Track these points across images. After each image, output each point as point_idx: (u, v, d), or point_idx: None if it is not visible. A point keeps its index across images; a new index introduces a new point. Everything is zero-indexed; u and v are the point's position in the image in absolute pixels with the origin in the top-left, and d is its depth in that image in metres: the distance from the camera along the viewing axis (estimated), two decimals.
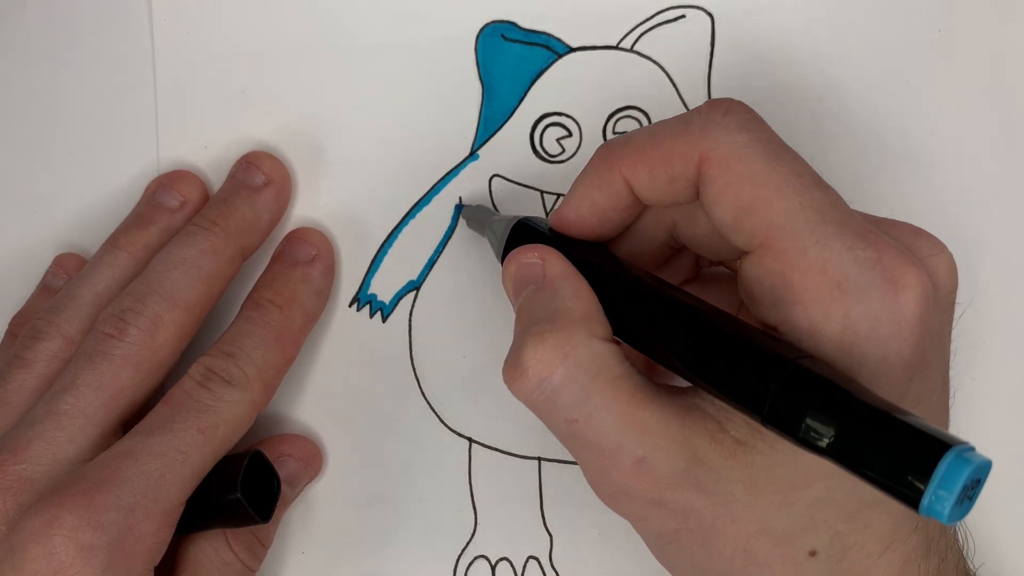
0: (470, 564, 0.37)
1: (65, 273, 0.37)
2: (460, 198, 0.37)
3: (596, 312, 0.28)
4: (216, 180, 0.38)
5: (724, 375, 0.24)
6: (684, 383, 0.27)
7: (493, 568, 0.37)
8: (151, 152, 0.38)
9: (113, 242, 0.36)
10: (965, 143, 0.36)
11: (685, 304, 0.27)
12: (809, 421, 0.22)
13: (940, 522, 0.20)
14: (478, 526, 0.37)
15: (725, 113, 0.27)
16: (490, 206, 0.37)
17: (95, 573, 0.28)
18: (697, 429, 0.26)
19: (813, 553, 0.26)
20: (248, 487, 0.31)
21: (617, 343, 0.28)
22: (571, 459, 0.37)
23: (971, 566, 0.30)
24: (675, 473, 0.26)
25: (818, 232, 0.25)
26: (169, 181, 0.37)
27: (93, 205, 0.38)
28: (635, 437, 0.26)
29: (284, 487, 0.34)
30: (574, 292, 0.28)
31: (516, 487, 0.37)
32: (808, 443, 0.22)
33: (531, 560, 0.37)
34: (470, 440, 0.37)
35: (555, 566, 0.37)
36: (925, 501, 0.20)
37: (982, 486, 0.21)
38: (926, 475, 0.20)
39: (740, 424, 0.26)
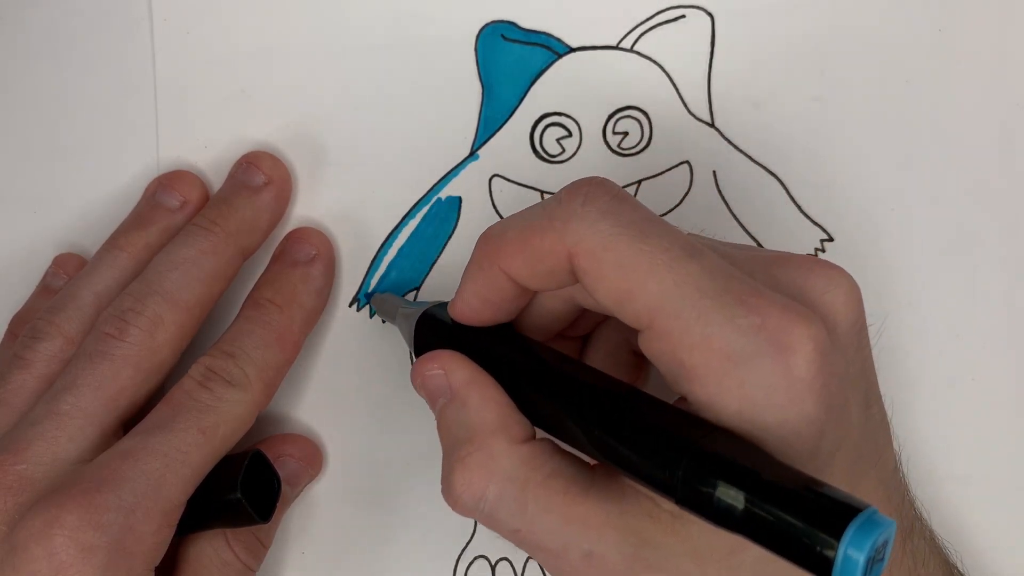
0: (470, 564, 0.37)
1: (65, 273, 0.37)
2: (371, 291, 0.37)
3: (510, 414, 0.28)
4: (216, 180, 0.38)
5: (636, 459, 0.24)
6: None
7: (493, 568, 0.37)
8: (151, 152, 0.38)
9: (113, 242, 0.36)
10: (965, 143, 0.36)
11: (592, 387, 0.27)
12: (716, 501, 0.22)
13: None
14: (478, 526, 0.37)
15: (584, 202, 0.26)
16: (396, 295, 0.36)
17: (95, 573, 0.28)
18: (635, 511, 0.26)
19: None
20: (248, 487, 0.31)
21: (538, 438, 0.28)
22: None
23: None
24: (625, 560, 0.26)
25: (697, 307, 0.24)
26: (169, 181, 0.37)
27: (93, 205, 0.38)
28: (578, 533, 0.26)
29: (284, 487, 0.34)
30: (481, 399, 0.28)
31: None
32: (721, 522, 0.22)
33: (531, 560, 0.37)
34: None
35: None
36: (836, 570, 0.20)
37: (889, 548, 0.21)
38: (833, 544, 0.20)
39: None
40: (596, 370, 0.28)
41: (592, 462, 0.28)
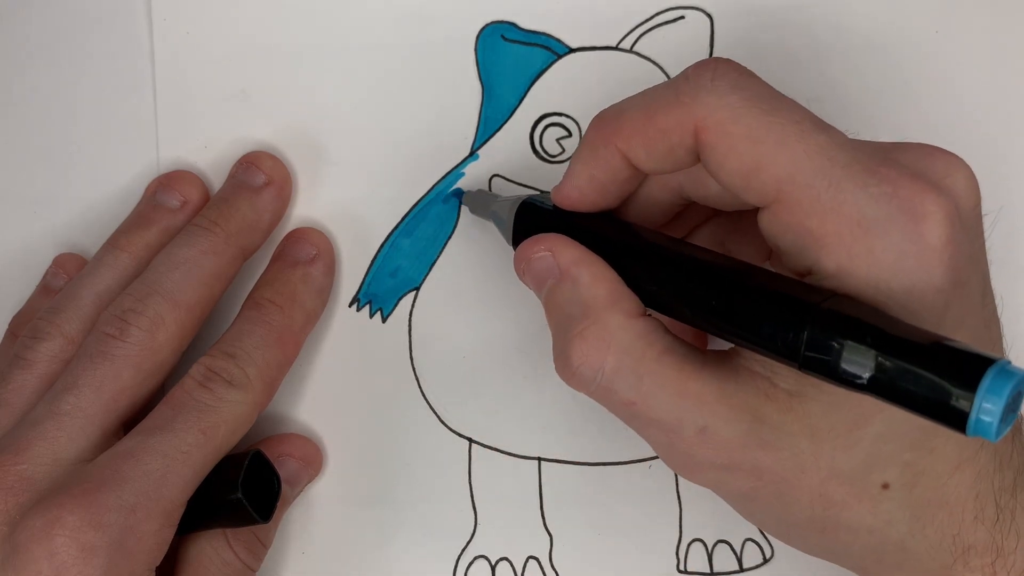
0: (470, 564, 0.37)
1: (65, 273, 0.37)
2: (459, 188, 0.37)
3: (621, 290, 0.28)
4: (216, 180, 0.38)
5: (756, 328, 0.24)
6: (724, 345, 0.28)
7: (493, 568, 0.37)
8: (151, 152, 0.38)
9: (114, 242, 0.36)
10: (964, 144, 0.36)
11: (706, 263, 0.27)
12: (844, 361, 0.22)
13: (989, 440, 0.20)
14: (478, 526, 0.37)
15: (713, 76, 0.26)
16: (488, 190, 0.36)
17: (96, 573, 0.28)
18: (750, 389, 0.26)
19: (886, 486, 0.26)
20: (249, 487, 0.31)
21: (649, 315, 0.28)
22: (571, 459, 0.37)
23: None
24: (738, 436, 0.26)
25: (828, 176, 0.24)
26: (169, 181, 0.37)
27: (93, 205, 0.38)
28: (693, 408, 0.26)
29: (284, 487, 0.34)
30: (592, 276, 0.28)
31: (516, 487, 0.37)
32: (848, 382, 0.22)
33: (531, 560, 0.37)
34: (470, 440, 0.37)
35: (555, 566, 0.37)
36: (972, 420, 0.20)
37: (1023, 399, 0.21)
38: (968, 396, 0.20)
39: (789, 376, 0.26)
40: (706, 248, 0.28)
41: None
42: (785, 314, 0.24)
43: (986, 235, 0.28)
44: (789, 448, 0.26)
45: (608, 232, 0.29)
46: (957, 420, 0.20)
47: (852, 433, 0.26)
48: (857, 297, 0.24)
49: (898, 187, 0.24)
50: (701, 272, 0.26)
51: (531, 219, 0.31)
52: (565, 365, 0.28)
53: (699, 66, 0.27)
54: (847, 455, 0.26)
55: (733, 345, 0.27)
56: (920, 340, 0.21)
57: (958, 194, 0.26)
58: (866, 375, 0.22)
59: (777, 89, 0.27)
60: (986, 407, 0.20)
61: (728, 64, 0.27)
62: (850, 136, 0.27)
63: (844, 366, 0.22)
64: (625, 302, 0.28)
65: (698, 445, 0.26)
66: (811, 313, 0.23)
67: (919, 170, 0.26)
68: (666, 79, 0.36)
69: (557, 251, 0.29)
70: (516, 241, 0.31)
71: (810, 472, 0.26)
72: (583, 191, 0.29)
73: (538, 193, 0.32)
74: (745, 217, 0.31)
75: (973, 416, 0.20)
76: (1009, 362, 0.20)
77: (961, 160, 0.27)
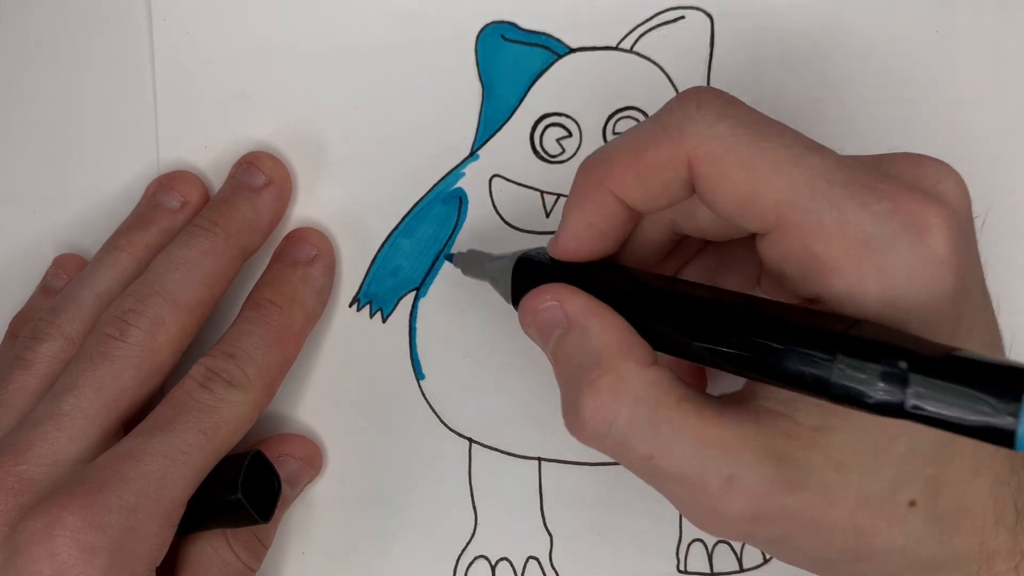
0: (470, 564, 0.37)
1: (65, 273, 0.37)
2: (448, 252, 0.36)
3: (632, 337, 0.27)
4: (216, 180, 0.38)
5: (780, 363, 0.24)
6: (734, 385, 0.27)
7: (493, 568, 0.37)
8: (151, 152, 0.38)
9: (114, 243, 0.36)
10: (964, 144, 0.36)
11: (720, 302, 0.26)
12: (880, 389, 0.21)
13: None
14: (478, 526, 0.37)
15: (698, 106, 0.26)
16: (478, 248, 0.36)
17: (97, 574, 0.28)
18: (771, 430, 0.25)
19: (912, 503, 0.26)
20: (249, 487, 0.31)
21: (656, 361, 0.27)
22: (571, 459, 0.37)
23: None
24: (766, 482, 0.25)
25: (828, 197, 0.24)
26: (169, 182, 0.37)
27: (93, 205, 0.38)
28: (717, 457, 0.25)
29: (284, 487, 0.34)
30: (602, 325, 0.27)
31: (516, 487, 0.37)
32: (884, 411, 0.22)
33: (531, 560, 0.37)
34: (470, 440, 0.37)
35: (555, 566, 0.37)
36: (1020, 434, 0.19)
37: None
38: (1014, 409, 0.19)
39: (810, 410, 0.25)
40: (715, 287, 0.27)
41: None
42: (810, 347, 0.23)
43: (979, 235, 0.28)
44: (817, 485, 0.25)
45: (612, 279, 0.28)
46: (1004, 436, 0.20)
47: (878, 457, 0.25)
48: (875, 319, 0.24)
49: (899, 202, 0.24)
50: (717, 311, 0.26)
51: (529, 275, 0.30)
52: (575, 419, 0.27)
53: (683, 97, 0.26)
54: (874, 479, 0.25)
55: (741, 387, 0.27)
56: (950, 357, 0.21)
57: (953, 200, 0.26)
58: (904, 401, 0.21)
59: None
60: None
61: (712, 92, 0.26)
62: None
63: (879, 395, 0.21)
64: (637, 350, 0.27)
65: (725, 498, 0.25)
66: (839, 342, 0.22)
67: (914, 181, 0.25)
68: (666, 79, 0.37)
69: (564, 300, 0.28)
70: (516, 298, 0.30)
71: (840, 505, 0.25)
72: (581, 240, 0.29)
73: (533, 248, 0.31)
74: (732, 247, 0.31)
75: (1021, 430, 0.19)
76: None
77: (949, 165, 0.26)
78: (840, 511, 0.25)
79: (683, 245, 0.32)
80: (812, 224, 0.24)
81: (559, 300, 0.28)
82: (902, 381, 0.21)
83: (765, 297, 0.26)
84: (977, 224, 0.28)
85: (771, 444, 0.25)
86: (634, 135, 0.27)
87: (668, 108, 0.26)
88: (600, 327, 0.27)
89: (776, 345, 0.24)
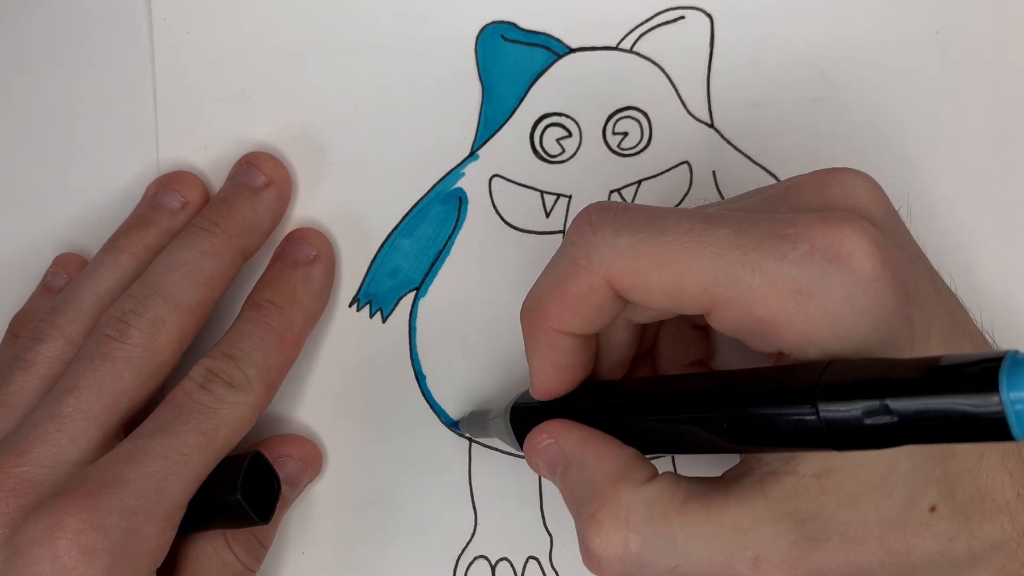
0: (470, 564, 0.37)
1: (66, 273, 0.37)
2: (453, 421, 0.37)
3: (629, 458, 0.27)
4: (216, 180, 0.38)
5: (771, 431, 0.24)
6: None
7: (493, 568, 0.37)
8: (151, 152, 0.38)
9: (114, 243, 0.36)
10: (964, 144, 0.36)
11: (704, 389, 0.26)
12: (867, 428, 0.22)
13: None
14: (478, 526, 0.37)
15: (594, 229, 0.26)
16: (477, 407, 0.36)
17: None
18: (780, 495, 0.25)
19: (933, 508, 0.26)
20: (248, 488, 0.31)
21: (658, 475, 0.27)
22: None
23: None
24: (791, 548, 0.25)
25: (746, 263, 0.24)
26: (169, 182, 0.37)
27: (93, 205, 0.38)
28: (737, 542, 0.25)
29: (284, 488, 0.34)
30: (597, 455, 0.28)
31: (516, 487, 0.37)
32: (879, 444, 0.22)
33: (531, 560, 0.37)
34: (470, 440, 0.37)
35: (555, 566, 0.37)
36: (1012, 422, 0.19)
37: None
38: (994, 400, 0.19)
39: (810, 459, 0.25)
40: (690, 375, 0.28)
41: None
42: (792, 405, 0.23)
43: (909, 223, 0.28)
44: (838, 529, 0.25)
45: (594, 403, 0.29)
46: (999, 430, 0.20)
47: (886, 481, 0.25)
48: (838, 356, 0.24)
49: (813, 241, 0.24)
50: (702, 400, 0.26)
51: (525, 418, 0.31)
52: (588, 556, 0.27)
53: (577, 224, 0.27)
54: (889, 503, 0.25)
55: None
56: (925, 370, 0.21)
57: (867, 209, 0.26)
58: (894, 428, 0.21)
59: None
60: (1017, 397, 0.19)
61: (600, 209, 0.27)
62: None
63: (869, 432, 0.21)
64: (632, 472, 0.27)
65: None
66: (815, 393, 0.23)
67: (823, 204, 0.26)
68: (666, 79, 0.37)
69: (560, 437, 0.29)
70: (521, 441, 0.31)
71: (867, 539, 0.25)
72: (553, 380, 0.29)
73: (520, 395, 0.32)
74: (683, 329, 0.32)
75: (1011, 418, 0.19)
76: (1016, 351, 0.20)
77: (855, 172, 0.27)
78: (869, 545, 0.25)
79: (647, 331, 0.32)
80: (743, 293, 0.24)
81: (555, 437, 0.29)
82: (886, 411, 0.21)
83: (736, 369, 0.27)
84: (903, 214, 0.28)
85: (783, 509, 0.25)
86: (552, 272, 0.28)
87: (569, 240, 0.27)
88: (595, 457, 0.28)
89: (762, 414, 0.24)
